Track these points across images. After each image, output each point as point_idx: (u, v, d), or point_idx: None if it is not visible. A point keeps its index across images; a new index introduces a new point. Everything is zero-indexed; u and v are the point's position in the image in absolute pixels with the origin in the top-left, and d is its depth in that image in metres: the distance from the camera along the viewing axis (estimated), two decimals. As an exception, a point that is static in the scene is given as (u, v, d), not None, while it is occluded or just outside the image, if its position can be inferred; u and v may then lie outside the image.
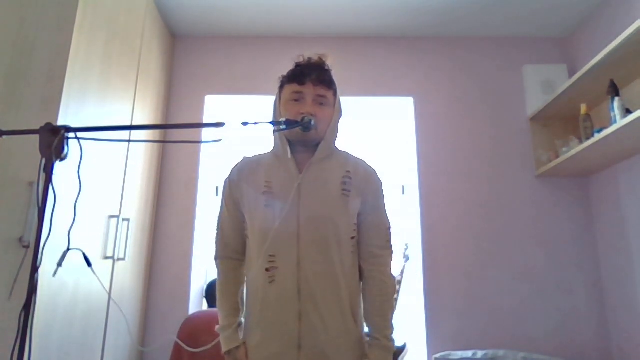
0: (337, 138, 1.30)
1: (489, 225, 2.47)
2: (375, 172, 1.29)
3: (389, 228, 1.25)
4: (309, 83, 1.21)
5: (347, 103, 2.69)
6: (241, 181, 1.26)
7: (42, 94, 1.49)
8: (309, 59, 1.27)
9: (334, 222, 1.16)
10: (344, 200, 1.19)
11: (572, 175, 2.52)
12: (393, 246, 1.24)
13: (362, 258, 1.21)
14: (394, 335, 1.19)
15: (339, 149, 1.31)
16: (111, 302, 1.90)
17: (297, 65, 1.26)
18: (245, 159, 1.33)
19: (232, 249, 1.27)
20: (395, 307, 1.18)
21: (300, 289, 1.12)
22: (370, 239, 1.22)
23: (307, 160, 1.23)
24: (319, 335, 1.10)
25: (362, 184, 1.23)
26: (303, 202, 1.18)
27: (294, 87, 1.22)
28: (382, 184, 1.29)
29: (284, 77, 1.28)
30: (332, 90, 1.25)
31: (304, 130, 1.16)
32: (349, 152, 1.32)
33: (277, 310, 1.12)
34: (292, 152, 1.24)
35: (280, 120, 1.13)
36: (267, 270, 1.14)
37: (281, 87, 1.28)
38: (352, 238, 1.19)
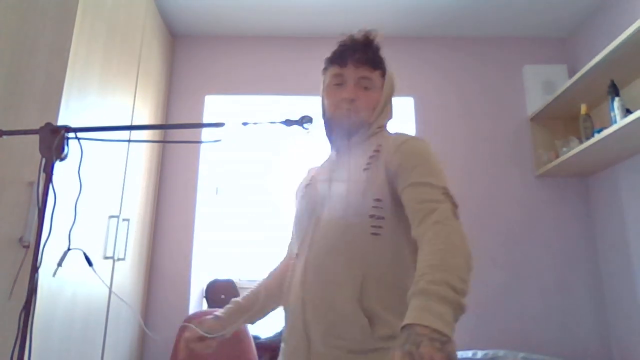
0: (387, 121, 1.15)
1: (489, 225, 2.47)
2: (412, 139, 1.05)
3: (444, 187, 0.92)
4: (351, 64, 1.10)
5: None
6: (298, 188, 1.23)
7: (42, 94, 1.49)
8: (352, 36, 1.13)
9: (346, 200, 1.01)
10: (364, 174, 1.02)
11: (572, 175, 2.52)
12: (455, 208, 0.88)
13: (414, 228, 0.89)
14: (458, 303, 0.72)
15: (390, 131, 1.15)
16: (111, 302, 1.89)
17: (340, 45, 1.13)
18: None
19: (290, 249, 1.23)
20: (470, 269, 0.77)
21: (306, 273, 1.00)
22: (416, 200, 0.90)
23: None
24: (320, 324, 0.94)
25: (390, 153, 1.03)
26: (331, 187, 1.08)
27: (335, 69, 1.11)
28: (424, 148, 1.02)
29: (326, 59, 1.16)
30: (378, 70, 1.11)
31: (304, 130, 1.11)
32: (401, 132, 1.12)
33: (290, 300, 1.03)
34: (347, 140, 1.12)
35: (284, 119, 1.11)
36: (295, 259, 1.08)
37: (325, 71, 1.16)
38: (372, 216, 0.97)
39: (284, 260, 1.25)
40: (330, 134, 1.17)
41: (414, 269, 0.84)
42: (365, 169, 1.03)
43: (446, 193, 0.90)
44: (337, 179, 1.08)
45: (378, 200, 0.98)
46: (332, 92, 1.11)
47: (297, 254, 1.07)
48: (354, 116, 1.08)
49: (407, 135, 1.08)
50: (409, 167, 0.97)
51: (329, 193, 1.06)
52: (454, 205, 0.89)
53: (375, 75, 1.11)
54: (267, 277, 1.22)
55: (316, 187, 1.11)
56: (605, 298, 2.37)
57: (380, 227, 0.96)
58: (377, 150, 1.06)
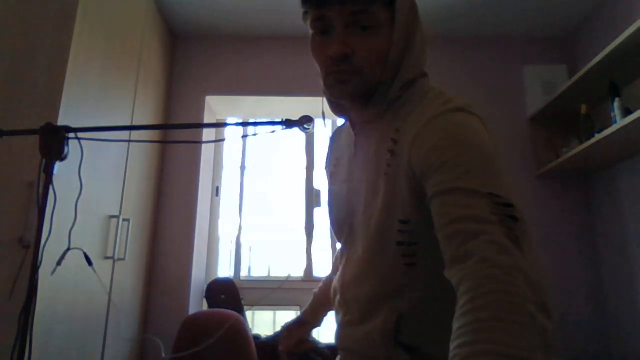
0: (416, 72, 0.79)
1: (489, 225, 2.47)
2: (445, 113, 0.68)
3: (492, 193, 0.57)
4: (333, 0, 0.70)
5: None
6: (327, 161, 0.98)
7: (42, 94, 1.49)
8: None
9: (366, 224, 0.76)
10: (382, 182, 0.73)
11: (572, 175, 2.52)
12: (514, 227, 0.55)
13: (446, 265, 0.59)
14: None
15: (420, 90, 0.79)
16: (109, 299, 1.89)
17: None
18: (342, 125, 0.96)
19: None
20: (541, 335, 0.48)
21: (343, 292, 0.83)
22: (445, 220, 0.59)
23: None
24: (354, 356, 0.81)
25: (409, 144, 0.68)
26: (355, 186, 0.81)
27: (313, 11, 0.73)
28: (463, 127, 0.66)
29: None
30: (378, 1, 0.70)
31: (304, 131, 1.02)
32: (440, 94, 0.76)
33: (334, 306, 0.89)
34: (355, 110, 0.81)
35: (284, 120, 1.02)
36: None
37: (305, 17, 0.77)
38: (400, 244, 0.71)
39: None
40: (338, 109, 0.84)
41: None
42: (386, 174, 0.72)
43: (497, 203, 0.56)
44: (355, 186, 0.80)
45: (403, 222, 0.69)
46: (317, 46, 0.75)
47: (340, 262, 0.89)
48: (352, 82, 0.72)
49: (440, 103, 0.71)
50: (436, 163, 0.62)
51: (352, 202, 0.81)
52: (513, 222, 0.55)
53: (377, 6, 0.70)
54: (329, 273, 1.11)
55: (340, 183, 0.87)
56: (605, 298, 2.37)
57: (413, 255, 0.70)
58: (394, 140, 0.72)
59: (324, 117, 0.90)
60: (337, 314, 0.87)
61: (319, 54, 0.75)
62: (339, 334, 0.85)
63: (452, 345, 0.49)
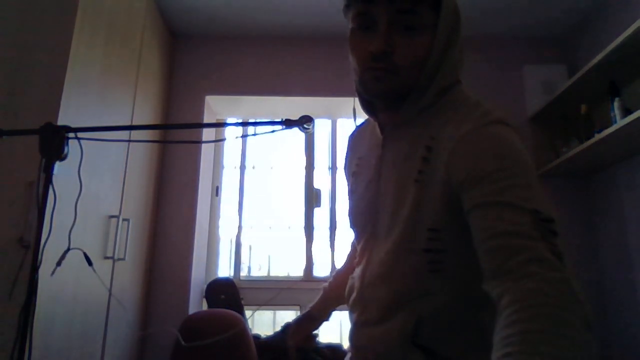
0: (453, 80, 0.81)
1: (489, 225, 2.47)
2: (486, 124, 0.69)
3: (534, 209, 0.58)
4: None
5: (348, 103, 2.69)
6: (347, 159, 0.98)
7: (42, 94, 1.49)
8: None
9: (393, 230, 0.76)
10: (413, 189, 0.73)
11: (572, 175, 2.52)
12: (556, 243, 0.57)
13: (488, 278, 0.59)
14: None
15: (456, 97, 0.81)
16: (111, 300, 1.89)
17: None
18: (361, 124, 0.96)
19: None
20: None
21: (362, 293, 0.82)
22: (487, 234, 0.59)
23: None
24: (371, 355, 0.80)
25: (448, 150, 0.69)
26: (382, 188, 0.80)
27: (358, 6, 0.73)
28: (505, 141, 0.66)
29: None
30: (425, 2, 0.72)
31: (304, 131, 1.04)
32: (476, 103, 0.77)
33: (350, 305, 0.88)
34: (391, 118, 0.80)
35: (284, 120, 1.03)
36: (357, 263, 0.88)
37: (346, 10, 0.77)
38: (428, 251, 0.71)
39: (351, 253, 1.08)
40: (368, 108, 0.83)
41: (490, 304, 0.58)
42: (416, 182, 0.72)
43: (538, 219, 0.57)
44: (382, 188, 0.80)
45: (433, 230, 0.70)
46: (358, 40, 0.74)
47: (357, 261, 0.88)
48: (388, 81, 0.72)
49: (480, 113, 0.72)
50: (479, 175, 0.63)
51: (378, 203, 0.80)
52: (554, 237, 0.57)
53: (423, 7, 0.72)
54: (340, 269, 1.10)
55: (365, 184, 0.86)
56: (605, 298, 2.37)
57: (440, 262, 0.71)
58: (429, 147, 0.72)
59: (354, 115, 0.90)
60: (351, 313, 0.87)
61: (358, 49, 0.74)
62: (354, 333, 0.85)
63: (495, 355, 0.49)
